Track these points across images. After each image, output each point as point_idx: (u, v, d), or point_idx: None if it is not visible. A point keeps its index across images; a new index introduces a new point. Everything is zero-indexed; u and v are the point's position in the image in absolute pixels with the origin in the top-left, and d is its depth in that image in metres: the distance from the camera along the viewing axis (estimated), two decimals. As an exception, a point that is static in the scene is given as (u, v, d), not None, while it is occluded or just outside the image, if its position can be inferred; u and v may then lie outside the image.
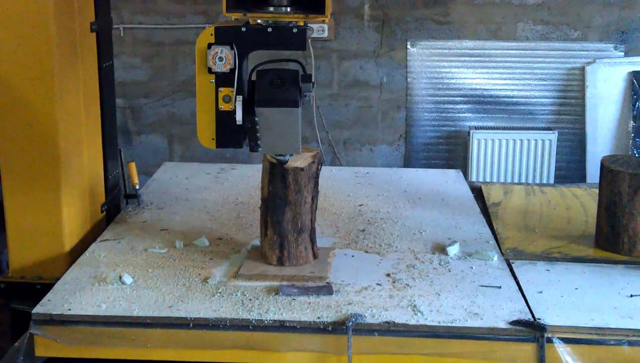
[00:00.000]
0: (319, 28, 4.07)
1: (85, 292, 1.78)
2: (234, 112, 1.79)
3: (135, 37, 4.19)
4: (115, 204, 2.38)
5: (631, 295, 1.80)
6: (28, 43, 1.89)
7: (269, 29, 1.79)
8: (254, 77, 1.82)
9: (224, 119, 1.82)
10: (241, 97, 1.79)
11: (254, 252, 1.99)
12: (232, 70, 1.78)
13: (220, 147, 1.86)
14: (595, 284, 1.87)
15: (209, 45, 1.78)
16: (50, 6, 1.88)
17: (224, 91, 1.80)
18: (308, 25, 1.82)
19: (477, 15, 4.09)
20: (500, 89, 4.16)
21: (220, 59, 1.77)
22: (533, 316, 1.69)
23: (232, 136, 1.84)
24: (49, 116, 1.94)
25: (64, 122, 1.98)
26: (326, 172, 2.63)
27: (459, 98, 4.18)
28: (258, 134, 1.82)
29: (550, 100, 4.15)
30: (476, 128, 4.12)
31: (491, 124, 4.18)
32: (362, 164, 4.16)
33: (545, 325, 1.63)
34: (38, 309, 1.69)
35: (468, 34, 4.11)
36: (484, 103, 4.18)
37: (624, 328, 1.64)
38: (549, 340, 1.62)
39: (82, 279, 1.85)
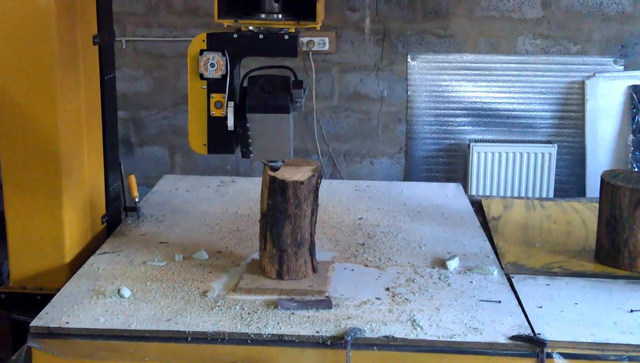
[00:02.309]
0: (320, 41, 4.10)
1: (84, 305, 1.77)
2: (225, 118, 1.80)
3: (137, 50, 4.21)
4: (116, 216, 2.38)
5: (631, 311, 1.79)
6: (30, 56, 1.90)
7: (261, 36, 1.80)
8: (245, 84, 1.83)
9: (215, 124, 1.82)
10: (233, 103, 1.80)
11: (253, 265, 1.99)
12: (224, 77, 1.79)
13: (211, 153, 1.87)
14: (595, 299, 1.86)
15: (201, 52, 1.80)
16: (52, 19, 1.88)
17: (215, 97, 1.81)
18: (299, 31, 1.83)
19: (477, 29, 4.11)
20: (500, 103, 4.17)
21: (212, 65, 1.78)
22: (533, 331, 1.68)
23: (224, 142, 1.84)
24: (50, 128, 1.94)
25: (65, 134, 1.98)
26: (326, 185, 2.63)
27: (459, 111, 4.19)
28: (250, 140, 1.83)
29: (550, 113, 4.16)
30: (476, 141, 4.13)
31: (491, 137, 4.19)
32: (362, 177, 4.16)
33: (545, 340, 1.63)
34: (36, 322, 1.69)
35: (468, 48, 4.13)
36: (484, 116, 4.19)
37: (625, 344, 1.64)
38: (549, 356, 1.62)
39: (80, 292, 1.84)
